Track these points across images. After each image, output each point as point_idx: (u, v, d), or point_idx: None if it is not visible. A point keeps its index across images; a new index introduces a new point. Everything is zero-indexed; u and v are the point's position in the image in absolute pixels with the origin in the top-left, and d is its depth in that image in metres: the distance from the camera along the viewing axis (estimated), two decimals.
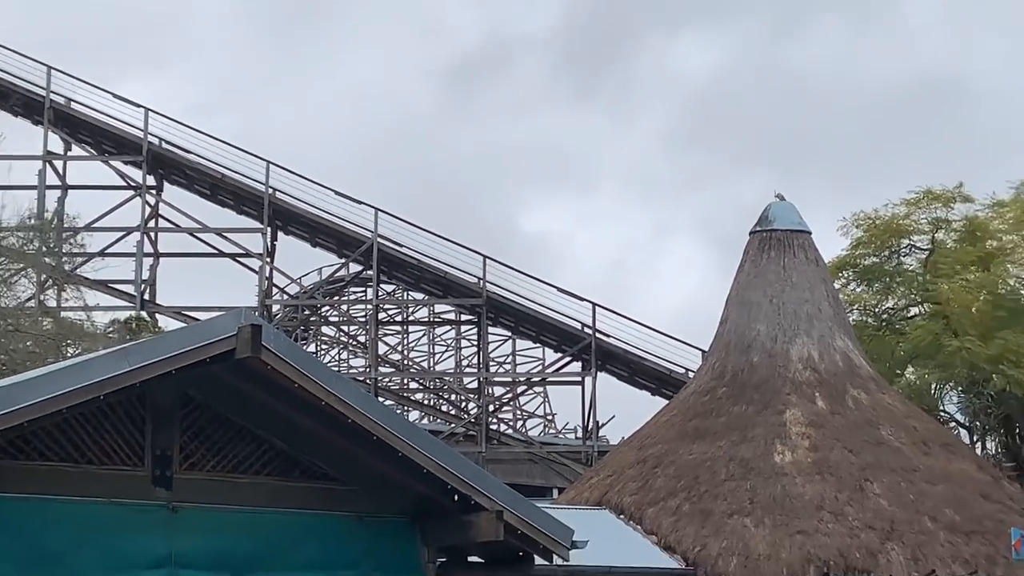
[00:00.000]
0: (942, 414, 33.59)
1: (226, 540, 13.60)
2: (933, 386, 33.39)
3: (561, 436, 43.55)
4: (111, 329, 32.76)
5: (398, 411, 38.62)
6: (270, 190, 39.24)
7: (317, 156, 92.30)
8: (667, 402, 30.44)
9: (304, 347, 38.54)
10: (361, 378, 39.21)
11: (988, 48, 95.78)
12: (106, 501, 12.93)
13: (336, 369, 39.37)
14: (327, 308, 43.05)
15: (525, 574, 16.58)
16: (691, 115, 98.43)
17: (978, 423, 35.65)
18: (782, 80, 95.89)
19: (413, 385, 43.44)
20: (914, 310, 34.60)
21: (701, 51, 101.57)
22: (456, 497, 14.48)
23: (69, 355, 23.64)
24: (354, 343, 42.39)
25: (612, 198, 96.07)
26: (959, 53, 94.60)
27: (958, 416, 35.53)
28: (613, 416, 41.04)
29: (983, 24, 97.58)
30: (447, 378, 44.18)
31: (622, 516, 23.15)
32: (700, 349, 32.89)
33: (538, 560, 15.70)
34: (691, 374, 33.18)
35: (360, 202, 39.54)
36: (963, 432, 34.37)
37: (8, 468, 12.34)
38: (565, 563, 15.84)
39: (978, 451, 32.49)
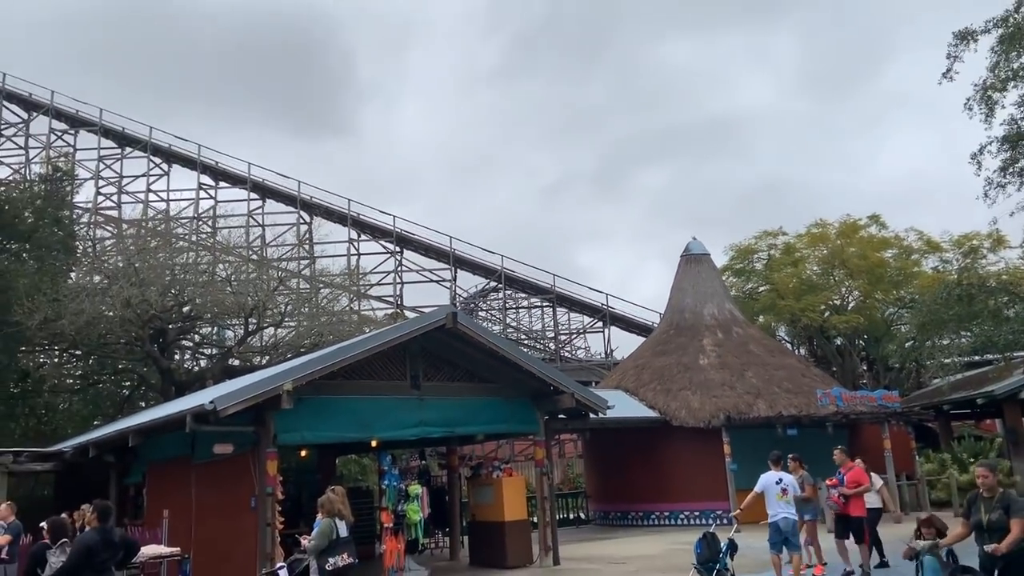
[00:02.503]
0: (778, 337, 32.89)
1: (446, 412, 13.50)
2: (772, 325, 32.72)
3: (594, 357, 42.84)
4: (384, 319, 33.05)
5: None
6: (453, 249, 39.54)
7: (480, 233, 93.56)
8: (645, 339, 30.13)
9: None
10: (499, 335, 39.41)
11: (797, 160, 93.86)
12: (389, 397, 12.94)
13: None
14: (481, 303, 42.79)
15: (584, 422, 16.52)
16: (657, 204, 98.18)
17: (795, 340, 34.91)
18: (700, 184, 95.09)
19: (523, 337, 43.04)
20: (761, 289, 33.93)
21: (659, 171, 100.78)
22: (552, 388, 14.44)
23: (366, 332, 23.84)
24: (494, 318, 42.08)
25: (621, 245, 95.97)
26: (783, 163, 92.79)
27: (786, 337, 34.74)
28: (618, 347, 41.16)
29: (798, 145, 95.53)
30: (538, 333, 43.72)
31: (628, 392, 22.97)
32: (659, 312, 32.38)
33: (591, 416, 15.67)
34: (655, 325, 32.74)
35: (493, 252, 40.04)
36: (789, 345, 33.60)
37: (346, 384, 12.44)
38: (603, 416, 15.75)
39: (797, 354, 31.76)
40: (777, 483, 9.94)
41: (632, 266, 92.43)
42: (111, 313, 21.91)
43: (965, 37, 15.69)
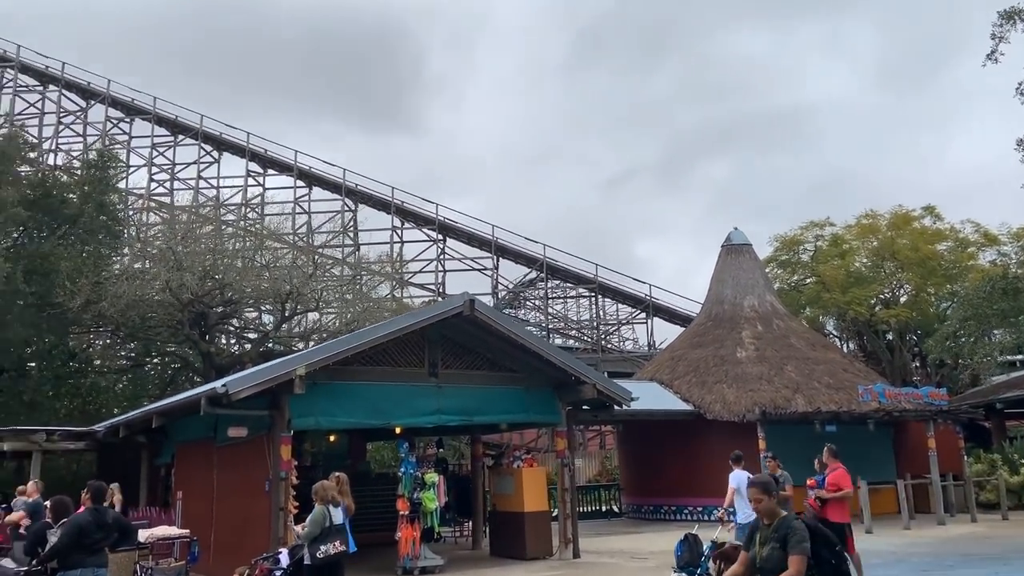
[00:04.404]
0: (826, 331, 31.83)
1: (464, 400, 13.33)
2: (820, 318, 31.69)
3: (637, 348, 42.17)
4: (421, 306, 32.95)
5: (558, 340, 38.35)
6: (495, 238, 39.31)
7: (537, 225, 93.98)
8: (684, 329, 29.45)
9: (512, 312, 38.40)
10: (541, 325, 39.20)
11: (865, 152, 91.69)
12: (408, 384, 12.82)
13: (529, 321, 39.11)
14: (524, 292, 42.47)
15: (610, 413, 16.16)
16: (719, 197, 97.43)
17: (844, 335, 33.75)
18: (765, 176, 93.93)
19: (565, 327, 42.56)
20: (808, 280, 32.85)
21: (723, 163, 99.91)
22: (574, 378, 14.11)
23: None
24: (538, 307, 41.74)
25: (681, 238, 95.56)
26: (851, 156, 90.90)
27: (834, 332, 33.60)
28: (665, 339, 40.42)
29: (867, 137, 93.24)
30: (584, 323, 43.24)
31: (662, 384, 22.45)
32: (699, 302, 31.64)
33: (615, 408, 15.29)
34: (695, 315, 32.03)
35: (536, 241, 39.68)
36: (837, 340, 32.52)
37: (361, 370, 12.39)
38: (628, 408, 15.34)
39: (844, 349, 30.70)
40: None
41: (691, 259, 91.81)
42: (158, 297, 22.31)
43: (1012, 16, 14.70)
